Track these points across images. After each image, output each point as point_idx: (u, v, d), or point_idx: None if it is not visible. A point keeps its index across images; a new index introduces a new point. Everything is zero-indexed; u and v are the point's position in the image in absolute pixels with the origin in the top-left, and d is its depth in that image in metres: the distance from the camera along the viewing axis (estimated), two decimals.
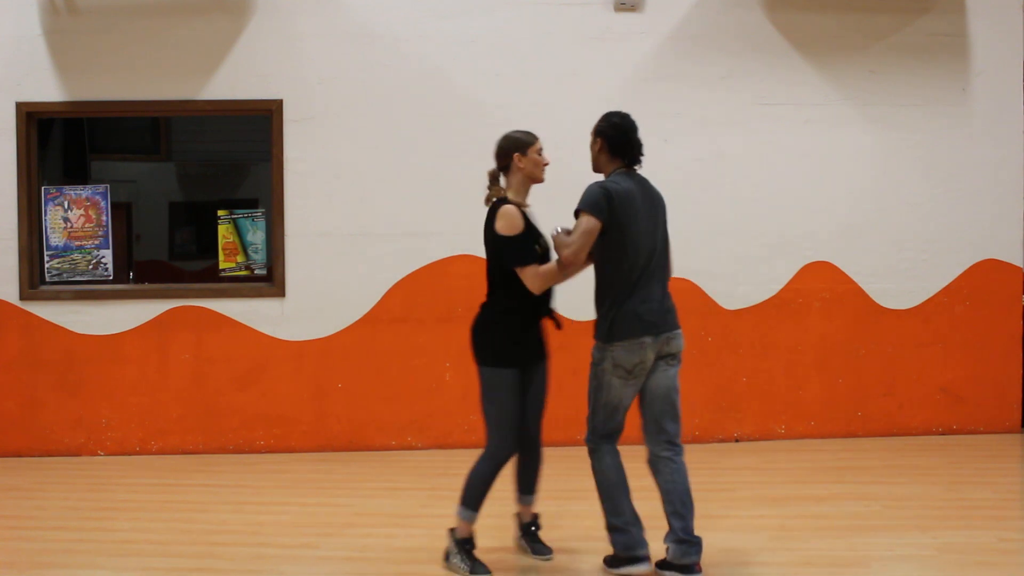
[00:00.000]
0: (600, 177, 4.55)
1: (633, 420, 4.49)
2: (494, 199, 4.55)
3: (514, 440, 4.49)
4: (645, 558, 4.40)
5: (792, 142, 7.11)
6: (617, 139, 4.48)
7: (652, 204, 4.48)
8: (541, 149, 4.60)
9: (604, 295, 4.44)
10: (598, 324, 4.45)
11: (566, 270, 4.42)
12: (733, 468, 6.37)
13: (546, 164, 4.61)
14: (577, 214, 4.35)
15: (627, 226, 4.33)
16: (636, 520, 4.45)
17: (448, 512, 5.49)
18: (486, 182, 4.63)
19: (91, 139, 9.69)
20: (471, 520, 4.56)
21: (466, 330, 4.54)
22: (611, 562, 4.52)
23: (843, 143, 7.13)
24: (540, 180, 4.60)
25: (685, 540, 4.34)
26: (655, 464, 4.45)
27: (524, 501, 4.80)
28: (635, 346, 4.34)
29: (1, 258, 6.93)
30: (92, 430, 6.97)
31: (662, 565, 4.41)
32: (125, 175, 9.97)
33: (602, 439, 4.48)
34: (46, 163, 8.03)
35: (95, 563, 4.68)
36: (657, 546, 4.43)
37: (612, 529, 4.47)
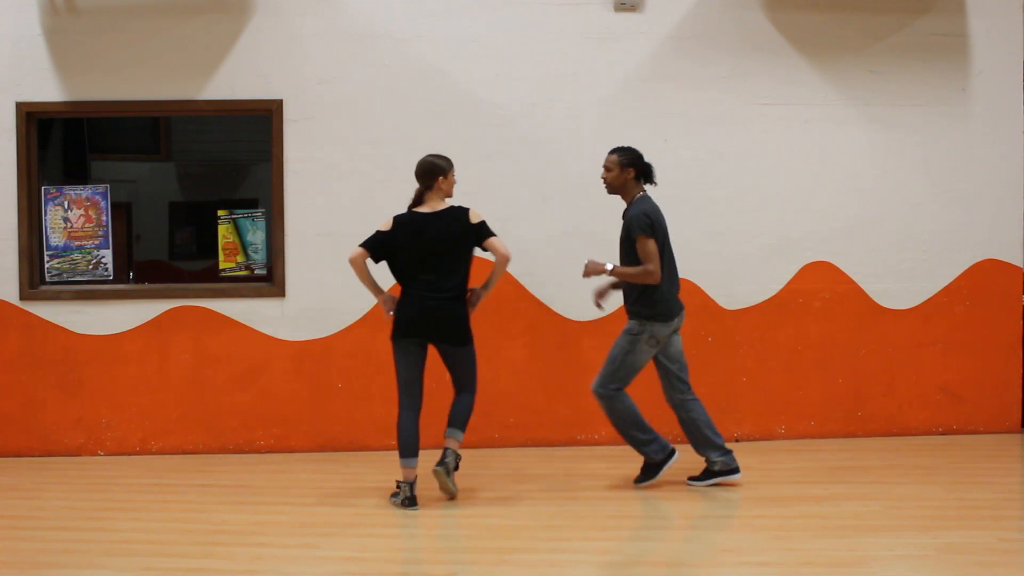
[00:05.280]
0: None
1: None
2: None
3: None
4: (673, 450, 5.77)
5: (792, 142, 7.11)
6: (643, 167, 5.70)
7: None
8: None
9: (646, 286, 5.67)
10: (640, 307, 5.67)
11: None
12: None
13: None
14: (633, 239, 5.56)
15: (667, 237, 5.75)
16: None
17: (447, 511, 5.50)
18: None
19: (91, 139, 9.67)
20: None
21: None
22: (652, 471, 5.77)
23: (843, 143, 7.13)
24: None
25: (729, 450, 5.81)
26: (684, 405, 5.76)
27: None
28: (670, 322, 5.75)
29: (1, 258, 6.93)
30: (92, 430, 6.98)
31: (708, 475, 5.77)
32: (125, 175, 9.96)
33: (617, 389, 5.71)
34: (46, 163, 8.02)
35: (95, 563, 4.67)
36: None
37: (644, 444, 5.73)
